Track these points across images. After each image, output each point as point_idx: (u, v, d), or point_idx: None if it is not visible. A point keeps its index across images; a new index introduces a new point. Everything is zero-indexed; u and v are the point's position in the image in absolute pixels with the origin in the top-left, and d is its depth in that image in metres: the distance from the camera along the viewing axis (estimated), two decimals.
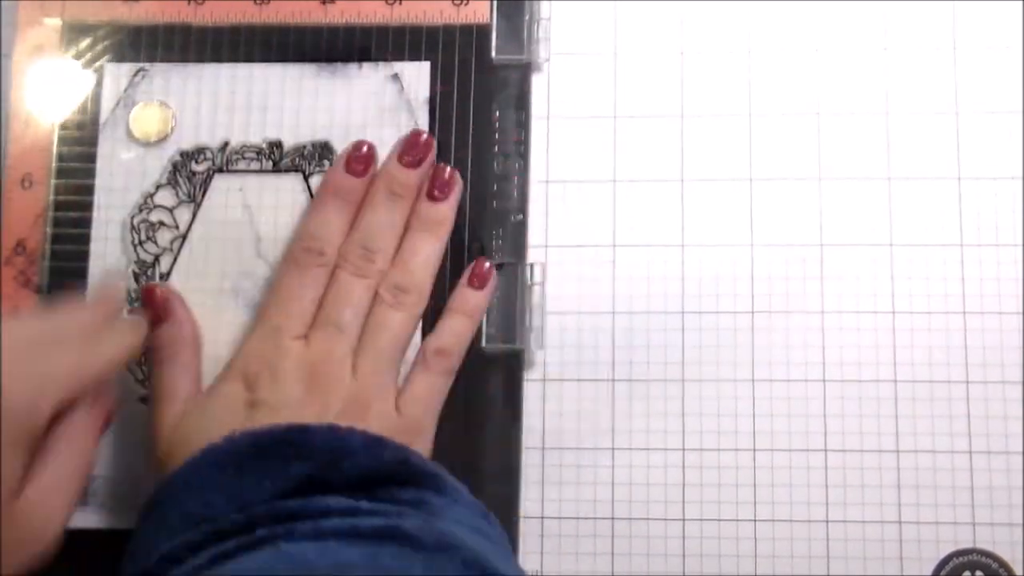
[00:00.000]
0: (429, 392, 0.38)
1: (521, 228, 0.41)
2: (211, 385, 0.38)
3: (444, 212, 0.40)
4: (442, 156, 0.41)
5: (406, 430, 0.37)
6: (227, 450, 0.33)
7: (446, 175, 0.40)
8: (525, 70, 0.42)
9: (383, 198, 0.39)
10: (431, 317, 0.39)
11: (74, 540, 0.34)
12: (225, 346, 0.40)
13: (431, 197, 0.40)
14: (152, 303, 0.39)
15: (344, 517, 0.31)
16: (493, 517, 0.35)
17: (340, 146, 0.42)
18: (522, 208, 0.41)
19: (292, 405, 0.36)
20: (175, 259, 0.42)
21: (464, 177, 0.41)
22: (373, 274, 0.38)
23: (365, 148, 0.40)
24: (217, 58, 0.43)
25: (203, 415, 0.36)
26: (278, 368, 0.37)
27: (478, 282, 0.40)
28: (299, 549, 0.29)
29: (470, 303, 0.40)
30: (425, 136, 0.40)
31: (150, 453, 0.37)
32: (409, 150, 0.40)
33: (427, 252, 0.39)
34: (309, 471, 0.33)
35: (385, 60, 0.42)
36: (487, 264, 0.40)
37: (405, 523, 0.31)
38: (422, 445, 0.38)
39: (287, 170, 0.42)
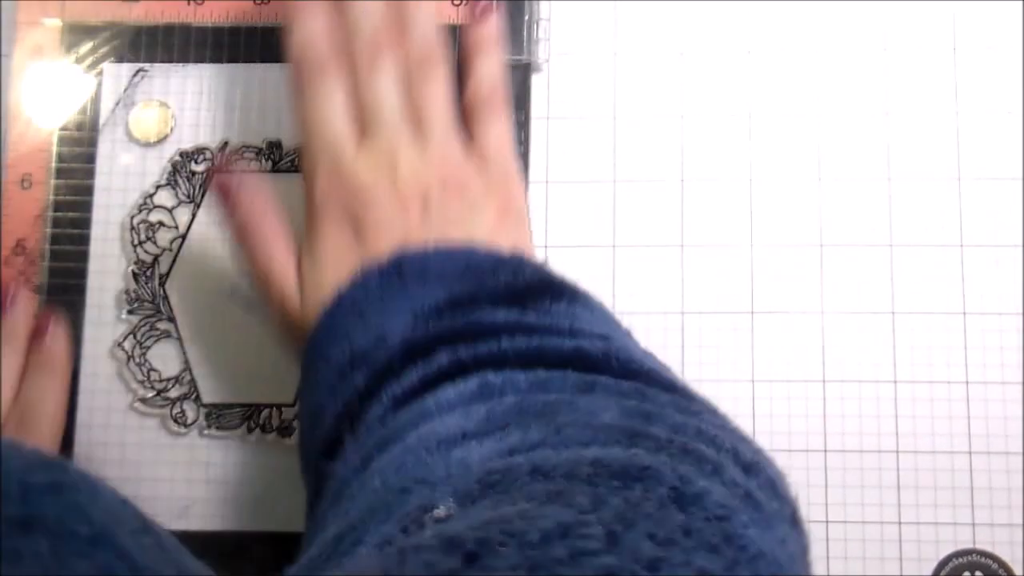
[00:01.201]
0: (506, 137, 0.37)
1: None
2: (305, 245, 0.35)
3: None
4: None
5: (505, 197, 0.35)
6: (359, 287, 0.32)
7: None
8: (525, 70, 0.42)
9: None
10: None
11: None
12: (224, 347, 0.40)
13: None
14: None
15: (516, 335, 0.30)
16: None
17: None
18: None
19: (393, 219, 0.33)
20: (175, 259, 0.42)
21: None
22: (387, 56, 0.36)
23: None
24: (217, 58, 0.43)
25: (315, 270, 0.34)
26: (356, 191, 0.34)
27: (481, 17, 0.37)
28: (508, 377, 0.28)
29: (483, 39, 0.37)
30: None
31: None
32: None
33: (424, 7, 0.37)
34: (450, 293, 0.31)
35: None
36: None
37: (585, 344, 0.30)
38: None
39: (286, 170, 0.42)
